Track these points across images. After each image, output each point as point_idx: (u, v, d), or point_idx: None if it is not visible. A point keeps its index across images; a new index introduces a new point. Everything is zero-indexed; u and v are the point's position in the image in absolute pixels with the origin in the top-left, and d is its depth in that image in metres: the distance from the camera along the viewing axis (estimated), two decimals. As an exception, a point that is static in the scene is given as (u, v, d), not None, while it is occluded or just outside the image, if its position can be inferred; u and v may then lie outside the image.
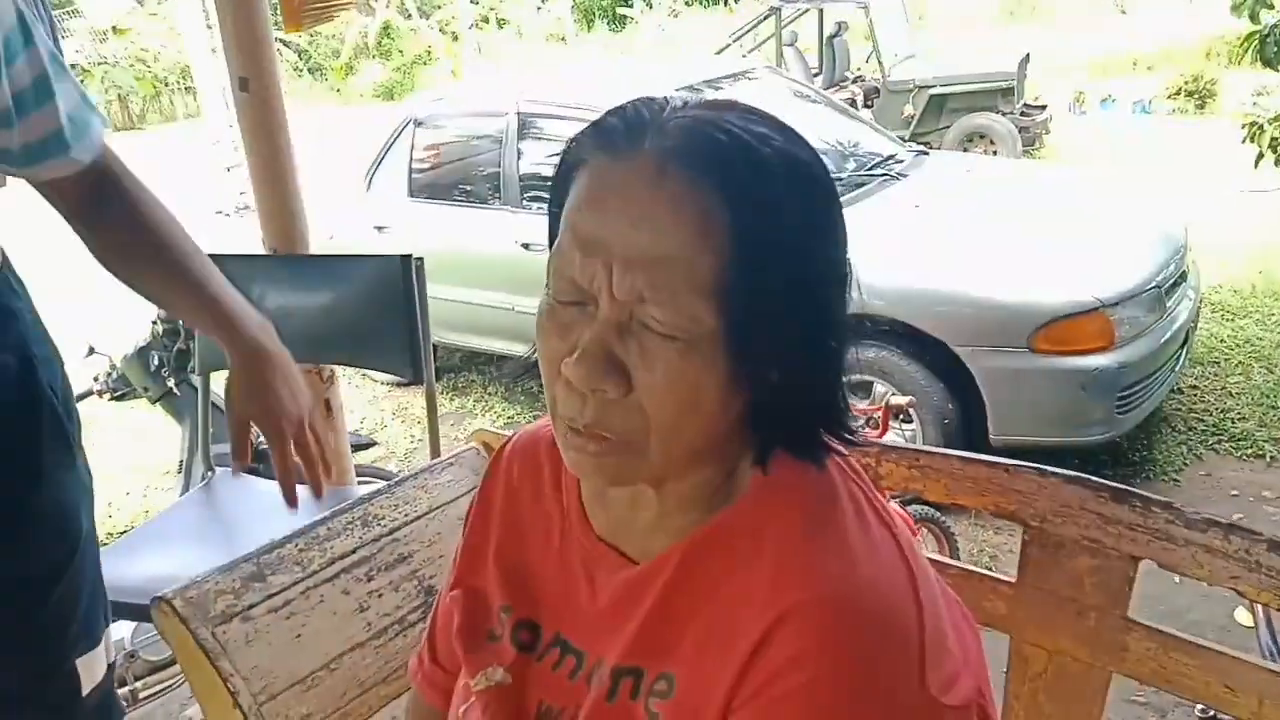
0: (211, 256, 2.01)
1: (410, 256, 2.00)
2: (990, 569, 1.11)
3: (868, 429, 2.58)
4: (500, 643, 0.76)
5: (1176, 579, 2.58)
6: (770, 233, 0.59)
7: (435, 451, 2.10)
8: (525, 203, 4.14)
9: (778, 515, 0.65)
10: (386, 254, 2.07)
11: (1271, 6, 3.95)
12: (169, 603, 1.12)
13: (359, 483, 2.19)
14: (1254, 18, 3.93)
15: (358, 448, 2.78)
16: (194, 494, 2.09)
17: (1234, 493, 3.16)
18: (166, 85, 18.16)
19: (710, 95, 0.70)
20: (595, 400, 0.61)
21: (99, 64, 15.74)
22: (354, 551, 1.28)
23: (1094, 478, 1.00)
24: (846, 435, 0.69)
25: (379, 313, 2.03)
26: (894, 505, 2.54)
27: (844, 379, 0.68)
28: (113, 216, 1.17)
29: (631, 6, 17.89)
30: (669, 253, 0.58)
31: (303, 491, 1.32)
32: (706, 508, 0.67)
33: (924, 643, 0.61)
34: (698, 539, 0.67)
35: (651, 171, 0.59)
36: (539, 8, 19.21)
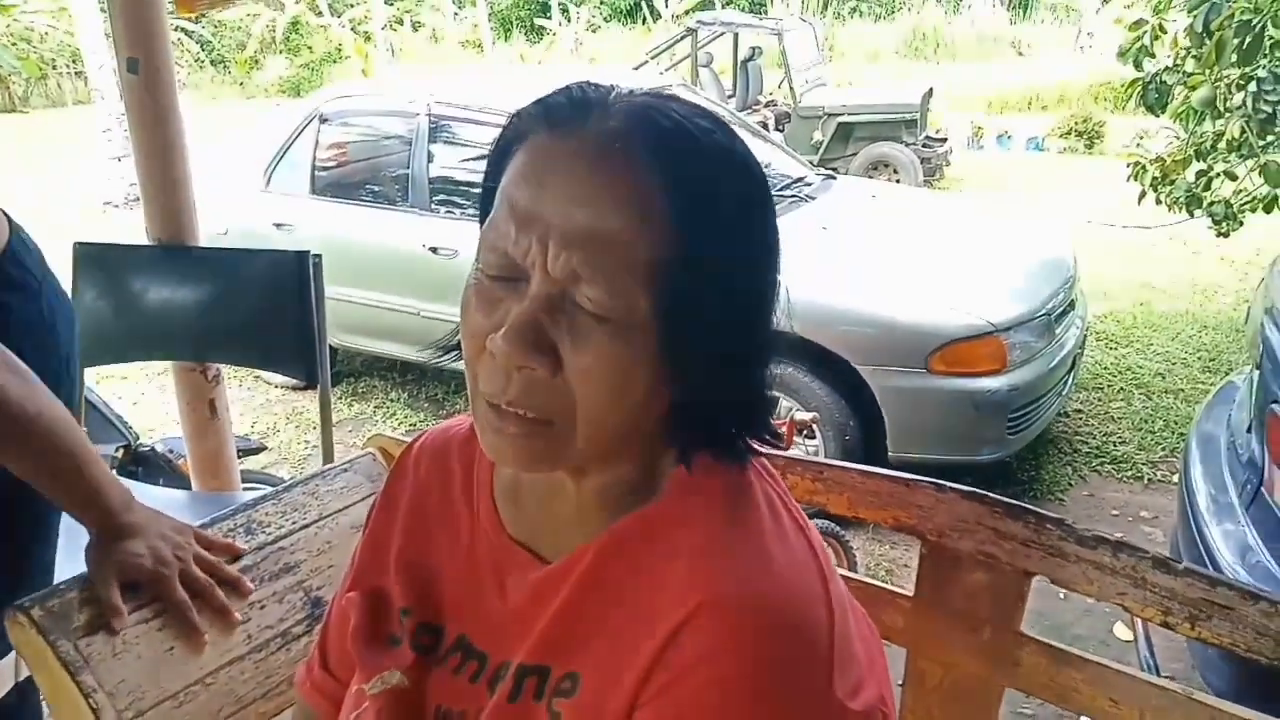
0: (93, 245, 1.90)
1: (308, 253, 1.92)
2: (887, 582, 1.11)
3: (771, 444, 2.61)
4: (400, 646, 0.73)
5: (1061, 594, 2.67)
6: (709, 221, 0.59)
7: (329, 457, 2.00)
8: (434, 206, 4.05)
9: (694, 514, 0.64)
10: (282, 249, 1.97)
11: (1153, 55, 4.19)
12: (26, 612, 1.03)
13: (245, 489, 2.09)
14: (1138, 65, 4.15)
15: (245, 452, 2.66)
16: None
17: (1114, 512, 3.31)
18: (54, 68, 17.23)
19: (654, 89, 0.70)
20: (520, 378, 0.59)
21: (-22, 41, 14.83)
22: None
23: (989, 494, 1.01)
24: (768, 437, 0.68)
25: (273, 311, 1.93)
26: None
27: (768, 380, 0.67)
28: None
29: (550, 18, 17.88)
30: (608, 232, 0.57)
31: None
32: (623, 505, 0.66)
33: (833, 646, 0.60)
34: (612, 536, 0.65)
35: (595, 150, 0.59)
36: (456, 14, 19.02)
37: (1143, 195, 4.33)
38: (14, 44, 15.32)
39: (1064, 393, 3.53)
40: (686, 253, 0.58)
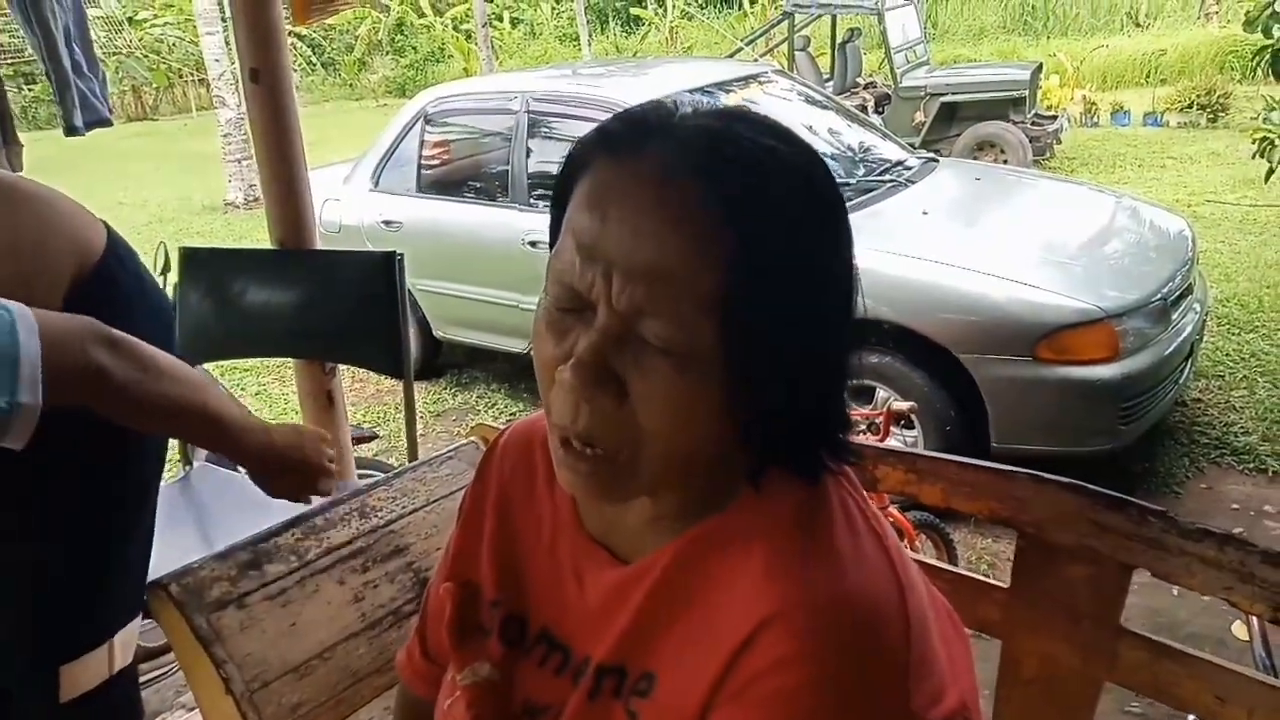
0: (198, 249, 2.03)
1: (393, 253, 2.01)
2: (988, 576, 1.10)
3: (869, 434, 2.58)
4: (489, 637, 0.77)
5: (1175, 592, 2.57)
6: (774, 250, 0.58)
7: (412, 445, 2.12)
8: (532, 201, 4.14)
9: (769, 521, 0.64)
10: (370, 250, 2.06)
11: (1285, 21, 3.94)
12: (165, 589, 1.12)
13: (359, 475, 2.20)
14: (1266, 32, 3.92)
15: (359, 440, 2.79)
16: (171, 486, 2.09)
17: (1235, 507, 3.15)
18: (180, 76, 18.22)
19: (720, 102, 0.70)
20: (589, 409, 0.60)
21: (113, 54, 15.80)
22: (350, 542, 1.28)
23: (1089, 485, 1.00)
24: (845, 455, 0.68)
25: (361, 308, 2.03)
26: (893, 510, 2.56)
27: (846, 398, 0.67)
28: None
29: (645, 7, 17.90)
30: (670, 267, 0.57)
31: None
32: (699, 512, 0.67)
33: (910, 655, 0.60)
34: (688, 541, 0.66)
35: (655, 179, 0.58)
36: (553, 8, 19.23)
37: (1270, 172, 4.09)
38: (145, 56, 16.26)
39: (1181, 381, 3.36)
40: (751, 283, 0.57)
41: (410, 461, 2.06)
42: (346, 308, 2.03)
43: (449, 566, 0.84)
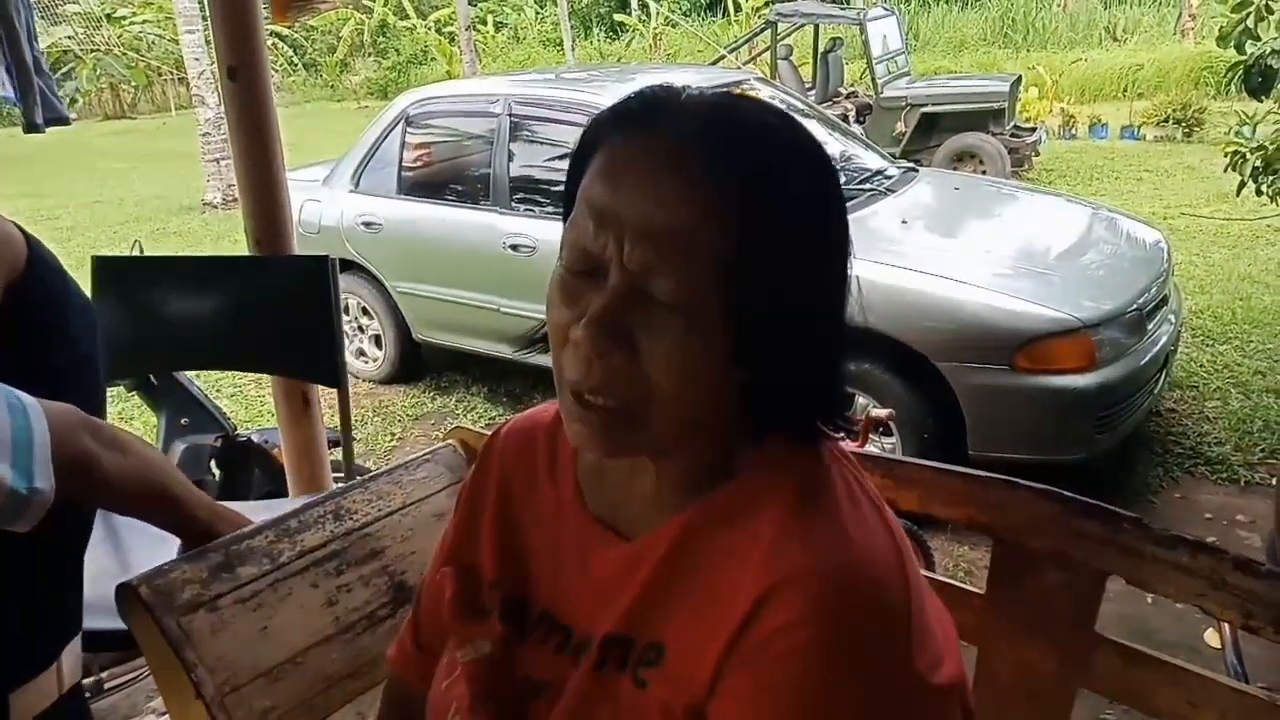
0: (102, 259, 1.94)
1: (325, 257, 1.91)
2: (965, 583, 1.11)
3: (847, 440, 2.59)
4: (490, 617, 0.77)
5: (1149, 599, 2.59)
6: (777, 216, 0.62)
7: (349, 460, 2.08)
8: (514, 204, 4.13)
9: (773, 491, 0.66)
10: (301, 254, 1.97)
11: (1257, 37, 3.99)
12: (135, 590, 1.11)
13: (335, 478, 2.18)
14: (1239, 48, 3.97)
15: (335, 443, 2.76)
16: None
17: (1208, 516, 3.18)
18: (159, 75, 18.07)
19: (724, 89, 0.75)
20: (600, 365, 0.62)
21: (91, 51, 15.64)
22: (324, 545, 1.27)
23: (1065, 492, 1.00)
24: (842, 423, 0.70)
25: (293, 316, 1.93)
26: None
27: (843, 369, 0.70)
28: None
29: (629, 14, 17.94)
30: (680, 227, 0.60)
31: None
32: (703, 485, 0.69)
33: (911, 620, 0.62)
34: (694, 514, 0.68)
35: (667, 151, 0.62)
36: (537, 13, 19.24)
37: (1242, 185, 4.14)
38: (124, 53, 16.12)
39: (1156, 391, 3.40)
40: (755, 246, 0.61)
41: (346, 474, 2.05)
42: (278, 316, 1.93)
43: (447, 552, 0.85)
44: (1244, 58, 3.98)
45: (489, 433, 0.92)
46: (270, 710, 1.14)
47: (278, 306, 1.95)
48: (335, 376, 1.93)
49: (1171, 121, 9.99)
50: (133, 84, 17.53)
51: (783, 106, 4.05)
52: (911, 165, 4.62)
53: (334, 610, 1.24)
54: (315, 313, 1.81)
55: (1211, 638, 2.50)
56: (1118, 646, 0.98)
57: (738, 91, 0.70)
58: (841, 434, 0.72)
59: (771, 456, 0.68)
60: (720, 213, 0.60)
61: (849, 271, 0.67)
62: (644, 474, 0.71)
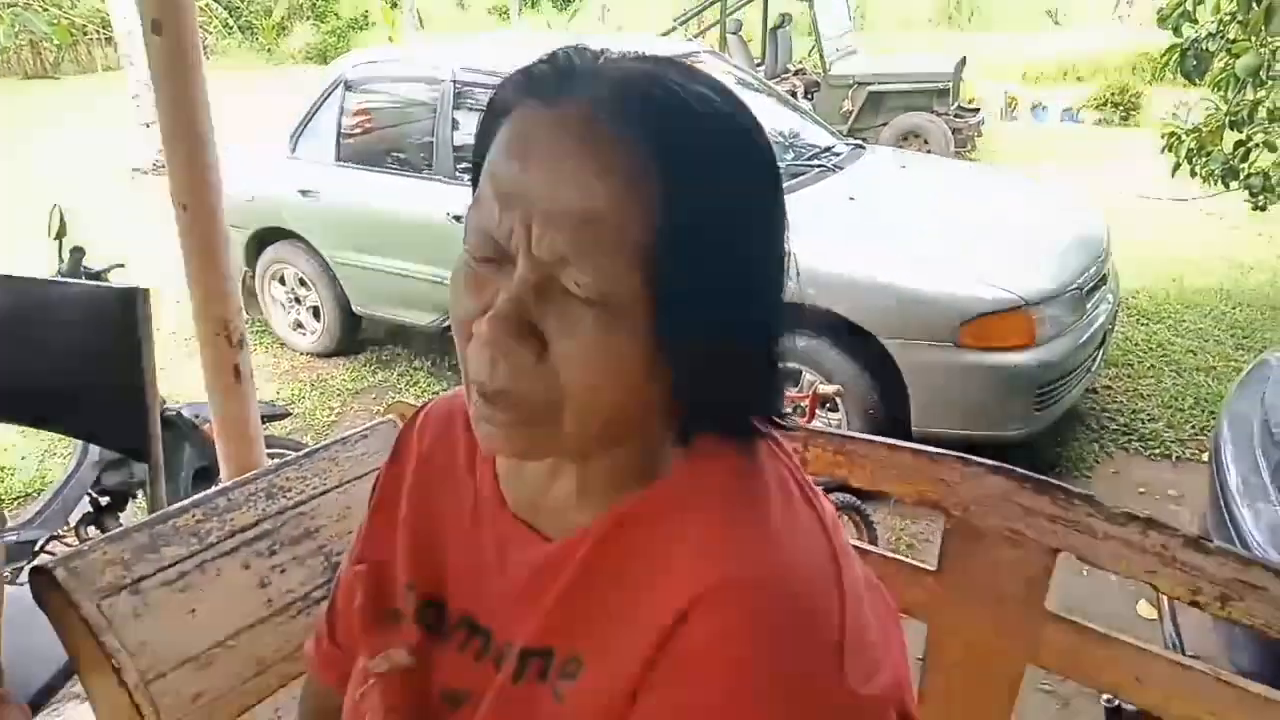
0: None
1: (136, 289, 1.54)
2: (908, 557, 1.10)
3: (794, 416, 2.59)
4: (404, 622, 0.72)
5: (1084, 571, 2.64)
6: (704, 197, 0.55)
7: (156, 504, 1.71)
8: (457, 174, 4.04)
9: (700, 495, 0.62)
10: (103, 285, 1.59)
11: (1195, 21, 4.08)
12: (49, 573, 1.04)
13: (269, 455, 2.10)
14: (1176, 31, 4.05)
15: (269, 418, 2.68)
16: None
17: (1141, 490, 3.27)
18: (85, 34, 17.31)
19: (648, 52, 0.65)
20: (506, 364, 0.57)
21: (9, 6, 14.90)
22: (256, 524, 1.21)
23: (1017, 469, 0.99)
24: (776, 419, 0.65)
25: (85, 365, 1.53)
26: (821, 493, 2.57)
27: (779, 358, 0.64)
28: None
29: (577, -16, 17.71)
30: (595, 212, 0.54)
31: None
32: (626, 484, 0.64)
33: (844, 630, 0.58)
34: (616, 516, 0.63)
35: (579, 122, 0.55)
36: (483, -21, 18.88)
37: (1177, 167, 4.25)
38: (45, 9, 15.37)
39: (1093, 369, 3.48)
40: (679, 231, 0.55)
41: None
42: (65, 363, 1.53)
43: (360, 548, 0.79)
44: (1180, 40, 4.05)
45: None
46: (199, 696, 1.09)
47: (67, 352, 1.56)
48: (142, 445, 1.52)
49: (1110, 105, 10.22)
50: (55, 42, 16.77)
51: (731, 81, 3.98)
52: (859, 143, 4.64)
53: (267, 592, 1.18)
54: (119, 364, 1.32)
55: (1145, 609, 2.57)
56: (1067, 622, 0.98)
57: (664, 56, 0.62)
58: (776, 429, 0.66)
59: (700, 455, 0.63)
60: (639, 194, 0.54)
61: (785, 257, 0.61)
62: (563, 473, 0.66)
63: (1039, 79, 12.69)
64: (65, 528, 2.25)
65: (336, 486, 1.30)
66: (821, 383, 3.02)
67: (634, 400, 0.59)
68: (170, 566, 1.12)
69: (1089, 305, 3.31)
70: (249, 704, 1.15)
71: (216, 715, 1.11)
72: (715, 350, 0.58)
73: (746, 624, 0.56)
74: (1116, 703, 1.17)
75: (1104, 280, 3.50)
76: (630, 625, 0.60)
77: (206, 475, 2.38)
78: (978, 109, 8.83)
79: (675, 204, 0.54)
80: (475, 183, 0.62)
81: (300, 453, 1.35)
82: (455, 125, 4.09)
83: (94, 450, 2.19)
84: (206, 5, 16.98)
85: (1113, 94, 10.25)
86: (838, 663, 0.57)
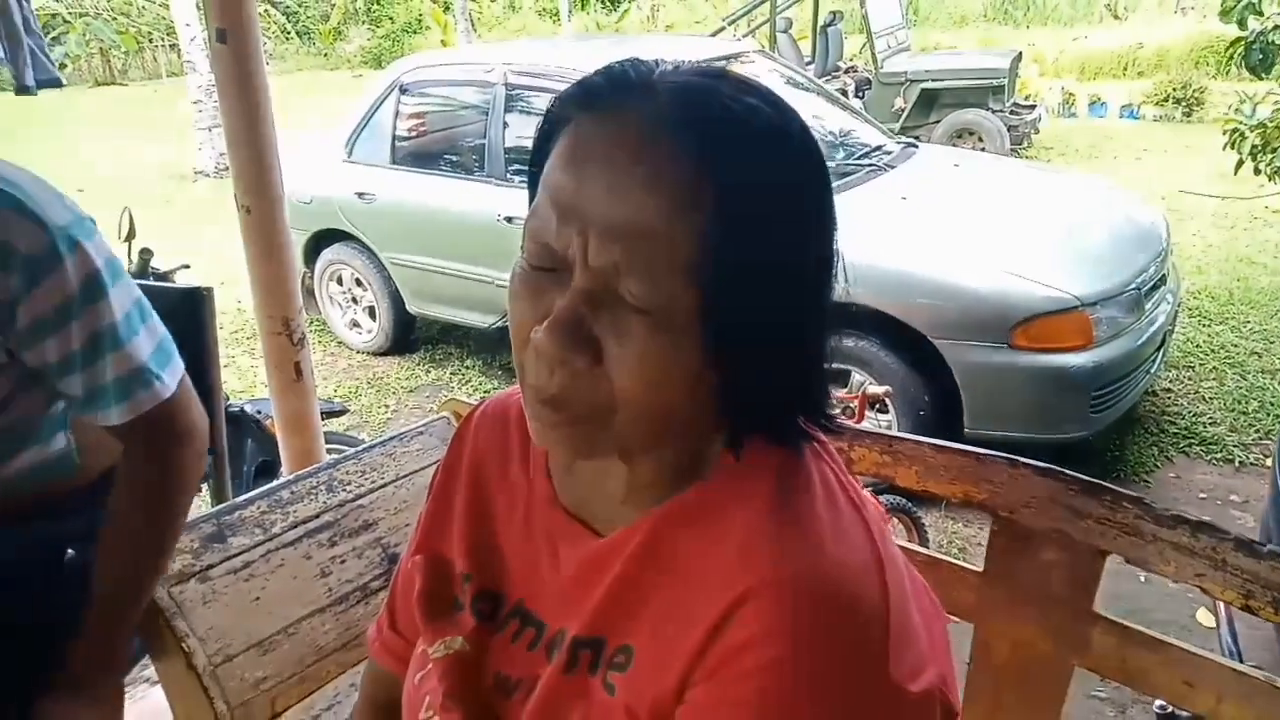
0: None
1: (202, 288, 1.57)
2: (959, 559, 1.10)
3: (843, 417, 2.59)
4: (461, 611, 0.75)
5: (1142, 577, 2.59)
6: (755, 211, 0.57)
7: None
8: (509, 175, 4.10)
9: (746, 494, 0.63)
10: (171, 285, 1.64)
11: (1260, 13, 3.96)
12: (124, 560, 1.09)
13: (329, 450, 2.16)
14: (1241, 24, 3.94)
15: (328, 415, 2.75)
16: None
17: (1202, 495, 3.19)
18: (150, 40, 17.83)
19: (702, 62, 0.67)
20: (562, 370, 0.59)
21: (80, 16, 15.41)
22: (317, 516, 1.26)
23: (1065, 470, 0.99)
24: (824, 423, 0.67)
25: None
26: (865, 493, 2.56)
27: (825, 366, 0.65)
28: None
29: (627, -15, 17.75)
30: (648, 225, 0.56)
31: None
32: (675, 484, 0.66)
33: (888, 628, 0.59)
34: (664, 513, 0.65)
35: (634, 136, 0.57)
36: (533, -19, 19.02)
37: (1240, 164, 4.13)
38: (114, 18, 15.89)
39: (1152, 371, 3.40)
40: (730, 242, 0.56)
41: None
42: None
43: (420, 540, 0.82)
44: (1245, 34, 3.94)
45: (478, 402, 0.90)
46: (263, 680, 1.14)
47: None
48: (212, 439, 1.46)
49: (1171, 100, 9.95)
50: (123, 49, 17.30)
51: (780, 80, 3.99)
52: (911, 141, 4.59)
53: (327, 581, 1.23)
54: (185, 359, 1.21)
55: (1204, 616, 2.52)
56: (1115, 625, 0.98)
57: (718, 67, 0.63)
58: (823, 431, 0.67)
59: (747, 456, 0.64)
60: (691, 208, 0.55)
61: (834, 265, 0.62)
62: (615, 471, 0.68)
63: (1097, 74, 12.40)
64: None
65: (393, 481, 1.34)
66: (871, 383, 3.00)
67: (683, 404, 0.61)
68: (236, 556, 1.17)
69: (1148, 305, 3.24)
70: (309, 690, 1.20)
71: (278, 699, 1.16)
72: (763, 356, 0.60)
73: (791, 620, 0.57)
74: (1170, 709, 1.16)
75: (1163, 280, 3.43)
76: (678, 620, 0.61)
77: (269, 470, 2.45)
78: (1034, 105, 8.67)
79: (725, 217, 0.56)
80: (532, 190, 0.64)
81: (359, 448, 1.40)
82: (506, 127, 4.15)
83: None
84: (266, 11, 17.37)
85: (1174, 89, 9.97)
86: (882, 659, 0.58)
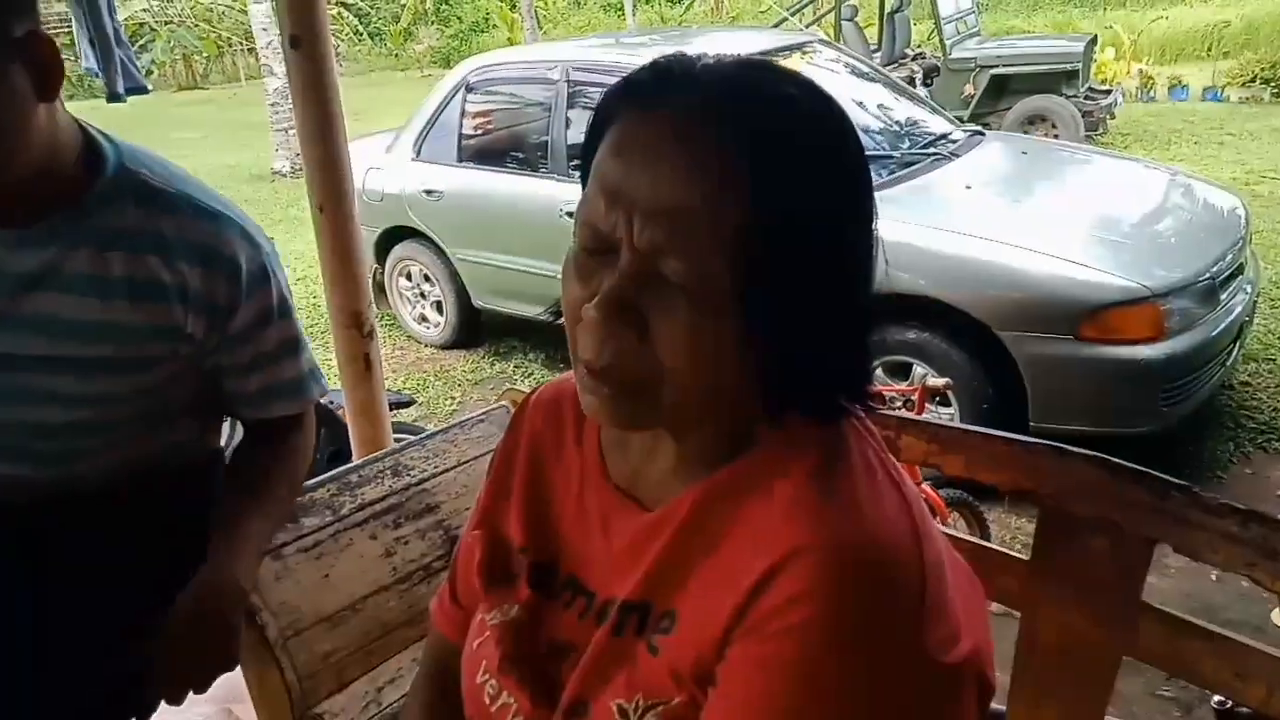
0: None
1: None
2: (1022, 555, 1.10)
3: (904, 410, 2.57)
4: (517, 582, 0.80)
5: (1214, 576, 2.52)
6: (792, 194, 0.60)
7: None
8: (570, 171, 4.15)
9: (788, 467, 0.66)
10: None
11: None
12: (205, 538, 1.17)
13: (396, 440, 2.24)
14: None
15: (396, 405, 2.84)
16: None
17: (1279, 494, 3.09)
18: (230, 45, 18.43)
19: (744, 56, 0.72)
20: (611, 344, 0.63)
21: (165, 23, 16.01)
22: (383, 499, 1.32)
23: (1113, 458, 0.99)
24: (865, 402, 0.69)
25: None
26: (926, 487, 2.55)
27: (867, 346, 0.69)
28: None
29: (691, -22, 17.69)
30: (688, 206, 0.59)
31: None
32: (720, 458, 0.69)
33: (924, 599, 0.61)
34: (710, 486, 0.69)
35: (677, 126, 0.61)
36: (598, -23, 19.10)
37: (1332, 148, 3.94)
38: (196, 25, 16.47)
39: (1229, 363, 3.29)
40: (767, 226, 0.59)
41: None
42: None
43: (479, 517, 0.87)
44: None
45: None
46: (330, 654, 1.20)
47: None
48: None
49: (1259, 81, 9.54)
50: (204, 55, 17.93)
51: (845, 69, 3.95)
52: (978, 129, 4.50)
53: (391, 561, 1.29)
54: None
55: (1279, 617, 2.44)
56: (1164, 615, 0.97)
57: (758, 60, 0.67)
58: (863, 408, 0.70)
59: (790, 431, 0.67)
60: (731, 190, 0.59)
61: (873, 246, 0.66)
62: (663, 447, 0.72)
63: (1179, 55, 11.96)
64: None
65: (455, 466, 1.40)
66: (932, 376, 2.98)
67: (726, 379, 0.64)
68: (307, 535, 1.24)
69: (1224, 296, 3.14)
70: (374, 664, 1.26)
71: (344, 672, 1.22)
72: (801, 336, 0.63)
73: (827, 583, 0.60)
74: (1229, 704, 1.14)
75: (1241, 269, 3.31)
76: (721, 585, 0.65)
77: (339, 457, 2.54)
78: (1109, 90, 8.41)
79: (764, 200, 0.59)
80: (584, 181, 0.68)
81: (423, 435, 1.46)
82: (569, 124, 4.20)
83: (240, 430, 2.39)
84: (339, 14, 17.79)
85: (1262, 69, 9.56)
86: (916, 628, 0.60)
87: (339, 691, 1.21)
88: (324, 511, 1.27)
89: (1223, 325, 3.10)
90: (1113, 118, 8.25)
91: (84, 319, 1.08)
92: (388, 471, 1.35)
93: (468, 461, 1.41)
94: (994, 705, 1.04)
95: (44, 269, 1.07)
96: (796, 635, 0.59)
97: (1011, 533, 2.98)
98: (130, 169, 1.11)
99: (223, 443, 1.45)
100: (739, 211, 0.59)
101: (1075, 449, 1.02)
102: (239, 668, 1.21)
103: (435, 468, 1.39)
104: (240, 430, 1.37)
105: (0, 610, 1.17)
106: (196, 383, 1.21)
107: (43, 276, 1.07)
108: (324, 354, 4.77)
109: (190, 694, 1.09)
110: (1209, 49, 11.99)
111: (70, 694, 1.16)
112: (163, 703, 1.10)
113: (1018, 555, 1.08)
